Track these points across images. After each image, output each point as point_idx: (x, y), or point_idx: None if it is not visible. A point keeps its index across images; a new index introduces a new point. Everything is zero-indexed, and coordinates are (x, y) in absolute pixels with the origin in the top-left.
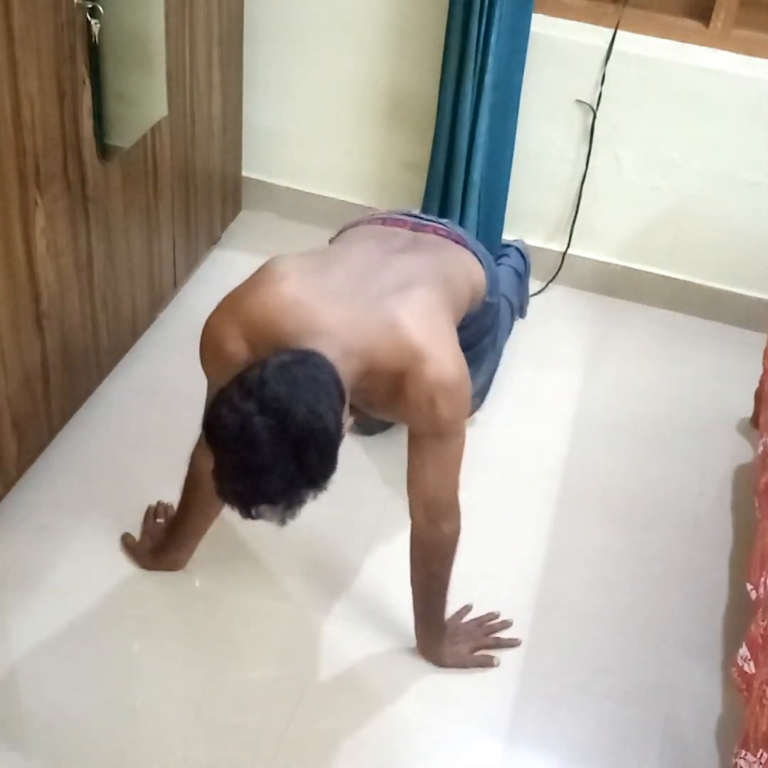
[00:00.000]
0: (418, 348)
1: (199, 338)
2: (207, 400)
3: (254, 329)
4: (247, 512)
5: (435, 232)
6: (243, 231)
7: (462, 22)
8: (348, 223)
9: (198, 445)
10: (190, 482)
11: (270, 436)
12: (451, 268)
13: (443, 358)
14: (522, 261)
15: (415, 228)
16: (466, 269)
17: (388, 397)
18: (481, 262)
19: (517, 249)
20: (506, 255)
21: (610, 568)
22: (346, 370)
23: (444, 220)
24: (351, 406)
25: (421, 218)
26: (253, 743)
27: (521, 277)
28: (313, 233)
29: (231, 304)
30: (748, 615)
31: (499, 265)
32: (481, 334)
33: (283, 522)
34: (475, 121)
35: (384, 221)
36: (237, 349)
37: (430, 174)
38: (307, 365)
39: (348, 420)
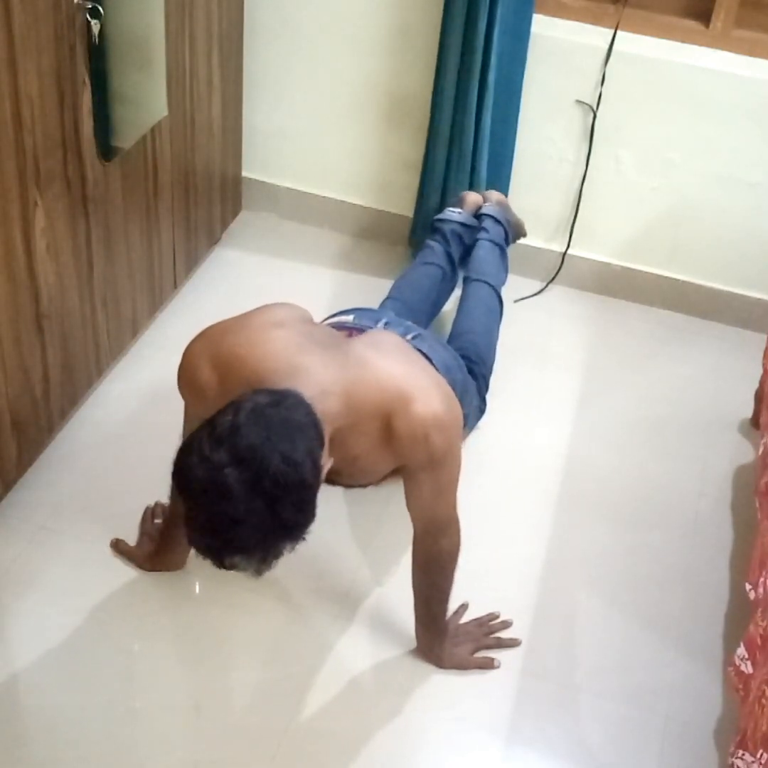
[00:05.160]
0: (399, 386)
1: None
2: (184, 424)
3: (231, 368)
4: (220, 564)
5: None
6: (243, 231)
7: (463, 22)
8: None
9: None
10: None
11: (243, 488)
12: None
13: (428, 391)
14: (501, 229)
15: None
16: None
17: (374, 440)
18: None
19: (492, 216)
20: (484, 229)
21: (610, 568)
22: (325, 410)
23: (410, 335)
24: (332, 475)
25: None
26: (253, 743)
27: (503, 249)
28: (313, 233)
29: (216, 337)
30: (748, 615)
31: (477, 240)
32: None
33: (259, 573)
34: (479, 119)
35: (350, 333)
36: (210, 381)
37: (425, 173)
38: (282, 407)
39: (328, 462)
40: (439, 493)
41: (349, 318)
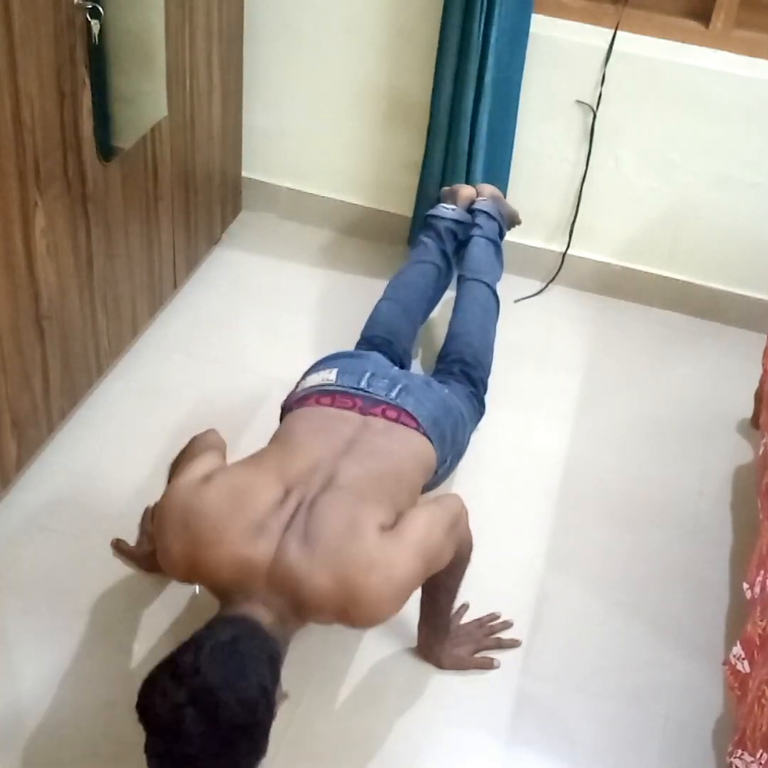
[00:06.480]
0: (336, 595)
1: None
2: (158, 553)
3: (205, 577)
4: None
5: (384, 413)
6: (243, 231)
7: (460, 22)
8: (297, 395)
9: (179, 455)
10: None
11: (199, 729)
12: (399, 465)
13: (366, 587)
14: (495, 224)
15: (364, 410)
16: (416, 454)
17: (338, 622)
18: (431, 439)
19: (485, 212)
20: (477, 225)
21: (610, 568)
22: (284, 632)
23: (395, 390)
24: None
25: (371, 394)
26: None
27: (497, 244)
28: (313, 233)
29: (193, 548)
30: (747, 615)
31: (471, 237)
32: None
33: None
34: (476, 120)
35: (333, 400)
36: (186, 578)
37: (424, 173)
38: (241, 643)
39: (281, 700)
40: (432, 566)
41: (332, 376)
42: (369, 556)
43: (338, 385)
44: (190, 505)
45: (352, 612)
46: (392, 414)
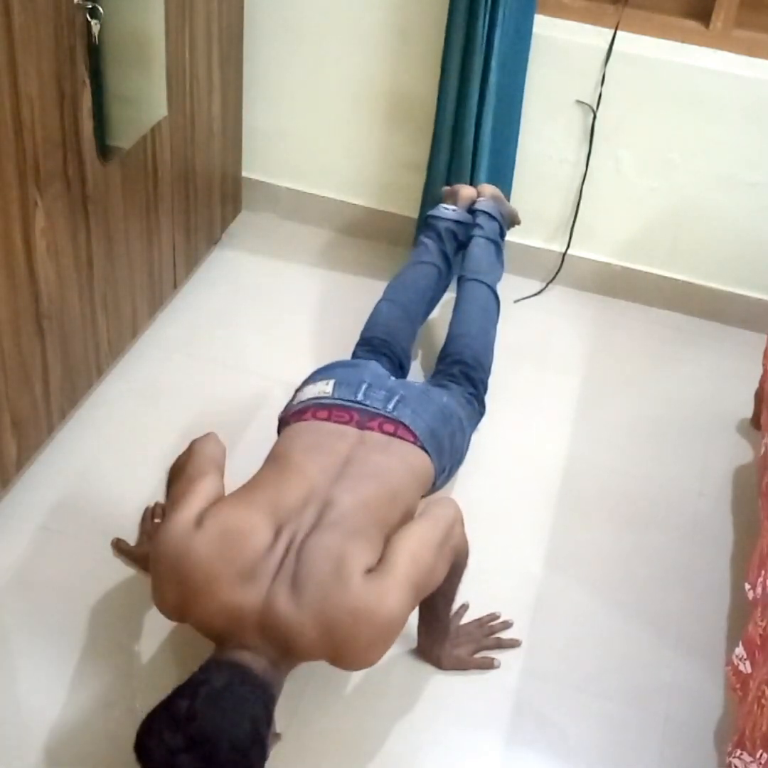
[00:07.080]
0: (325, 646)
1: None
2: (152, 594)
3: (195, 624)
4: None
5: (380, 427)
6: (243, 231)
7: (465, 23)
8: (294, 408)
9: (178, 460)
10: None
11: None
12: (395, 484)
13: (352, 637)
14: (496, 224)
15: (360, 424)
16: (412, 469)
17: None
18: (428, 452)
19: (486, 212)
20: (478, 225)
21: (610, 568)
22: (276, 674)
23: (392, 402)
24: None
25: (368, 407)
26: None
27: (498, 245)
28: (314, 234)
29: (183, 597)
30: (747, 615)
31: (471, 237)
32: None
33: None
34: (480, 122)
35: (329, 414)
36: (176, 617)
37: (429, 174)
38: (234, 688)
39: (273, 740)
40: (423, 591)
41: (329, 388)
42: (354, 604)
43: (335, 398)
44: (182, 555)
45: (341, 659)
46: (389, 427)
